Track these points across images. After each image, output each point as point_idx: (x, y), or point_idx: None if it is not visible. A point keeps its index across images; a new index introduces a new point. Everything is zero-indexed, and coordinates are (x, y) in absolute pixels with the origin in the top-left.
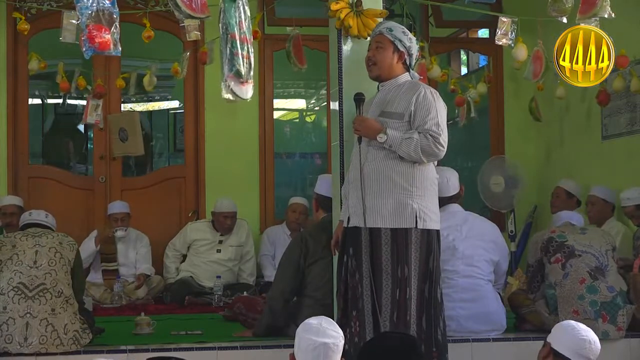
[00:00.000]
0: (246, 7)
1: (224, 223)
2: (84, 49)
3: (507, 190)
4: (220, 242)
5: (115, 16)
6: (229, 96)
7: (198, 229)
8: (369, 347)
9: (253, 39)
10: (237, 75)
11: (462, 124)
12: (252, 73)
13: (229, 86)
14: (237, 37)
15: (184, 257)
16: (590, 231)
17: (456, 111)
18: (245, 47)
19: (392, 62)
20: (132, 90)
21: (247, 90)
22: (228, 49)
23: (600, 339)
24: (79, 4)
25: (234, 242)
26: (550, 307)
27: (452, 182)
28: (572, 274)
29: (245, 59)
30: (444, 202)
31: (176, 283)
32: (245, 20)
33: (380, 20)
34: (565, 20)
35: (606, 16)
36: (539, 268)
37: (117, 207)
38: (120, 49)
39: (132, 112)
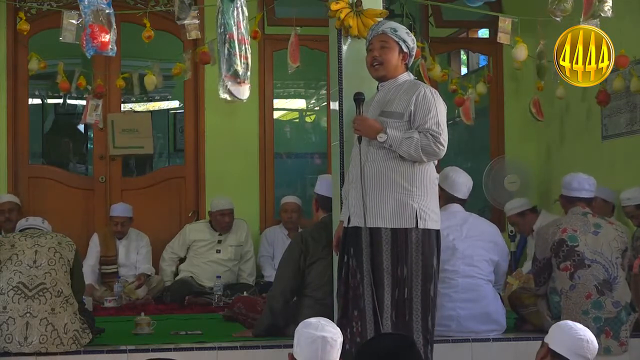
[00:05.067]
0: (244, 8)
1: (221, 221)
2: (85, 48)
3: (521, 190)
4: (220, 242)
5: (112, 18)
6: (226, 96)
7: (197, 230)
8: (366, 348)
9: (253, 38)
10: (235, 75)
11: (465, 124)
12: (249, 74)
13: (226, 86)
14: (236, 38)
15: (181, 260)
16: (604, 230)
17: (456, 111)
18: (243, 48)
19: (398, 62)
20: (136, 91)
21: (244, 91)
22: (226, 48)
23: (602, 355)
24: (81, 3)
25: (234, 242)
26: (553, 313)
27: (468, 187)
28: (579, 286)
29: (243, 59)
30: (448, 201)
31: (176, 283)
32: (243, 20)
33: (380, 20)
34: (559, 19)
35: (605, 15)
36: (547, 266)
37: (119, 210)
38: (115, 49)
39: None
